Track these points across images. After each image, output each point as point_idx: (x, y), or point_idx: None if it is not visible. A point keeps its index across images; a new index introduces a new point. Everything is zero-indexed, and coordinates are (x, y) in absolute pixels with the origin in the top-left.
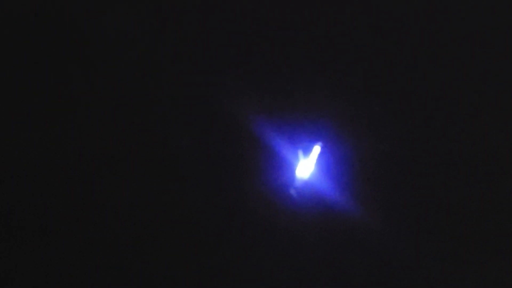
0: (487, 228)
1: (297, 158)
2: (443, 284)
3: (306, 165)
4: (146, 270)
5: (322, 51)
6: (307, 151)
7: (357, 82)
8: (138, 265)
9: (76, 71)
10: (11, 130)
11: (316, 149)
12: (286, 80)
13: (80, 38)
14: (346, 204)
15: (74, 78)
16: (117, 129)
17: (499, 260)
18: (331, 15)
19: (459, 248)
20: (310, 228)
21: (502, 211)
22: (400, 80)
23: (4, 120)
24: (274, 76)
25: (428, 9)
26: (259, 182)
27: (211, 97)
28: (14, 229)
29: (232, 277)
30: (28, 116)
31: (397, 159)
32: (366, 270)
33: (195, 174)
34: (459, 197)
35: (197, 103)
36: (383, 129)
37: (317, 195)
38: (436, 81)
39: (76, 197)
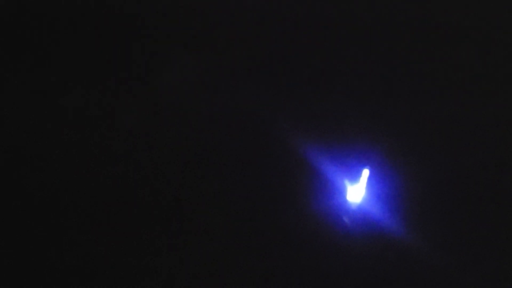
0: None
1: (347, 183)
2: None
3: (357, 190)
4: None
5: (372, 79)
6: (357, 175)
7: (405, 107)
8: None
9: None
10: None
11: (366, 173)
12: (336, 106)
13: None
14: (398, 228)
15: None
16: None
17: None
18: (380, 49)
19: None
20: (363, 252)
21: None
22: (450, 104)
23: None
24: (325, 103)
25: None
26: (311, 208)
27: (264, 124)
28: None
29: None
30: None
31: (448, 182)
32: None
33: (248, 200)
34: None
35: (250, 130)
36: (432, 153)
37: (369, 219)
38: (485, 105)
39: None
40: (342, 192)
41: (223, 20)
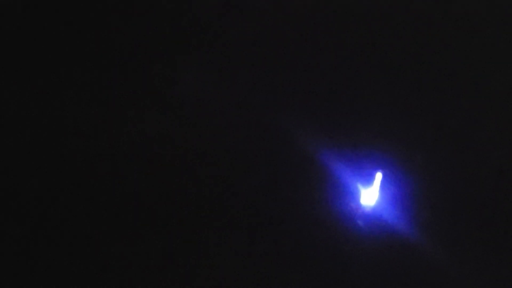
0: None
1: (361, 187)
2: None
3: (371, 193)
4: None
5: (386, 82)
6: (370, 179)
7: (419, 110)
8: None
9: None
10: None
11: (379, 176)
12: (350, 109)
13: None
14: (411, 231)
15: None
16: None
17: None
18: (393, 50)
19: None
20: (376, 255)
21: None
22: (465, 107)
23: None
24: (338, 106)
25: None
26: (324, 211)
27: (277, 128)
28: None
29: None
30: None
31: (462, 185)
32: None
33: (261, 203)
34: None
35: (263, 134)
36: (446, 156)
37: (383, 223)
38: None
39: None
40: (355, 195)
41: (233, 22)
